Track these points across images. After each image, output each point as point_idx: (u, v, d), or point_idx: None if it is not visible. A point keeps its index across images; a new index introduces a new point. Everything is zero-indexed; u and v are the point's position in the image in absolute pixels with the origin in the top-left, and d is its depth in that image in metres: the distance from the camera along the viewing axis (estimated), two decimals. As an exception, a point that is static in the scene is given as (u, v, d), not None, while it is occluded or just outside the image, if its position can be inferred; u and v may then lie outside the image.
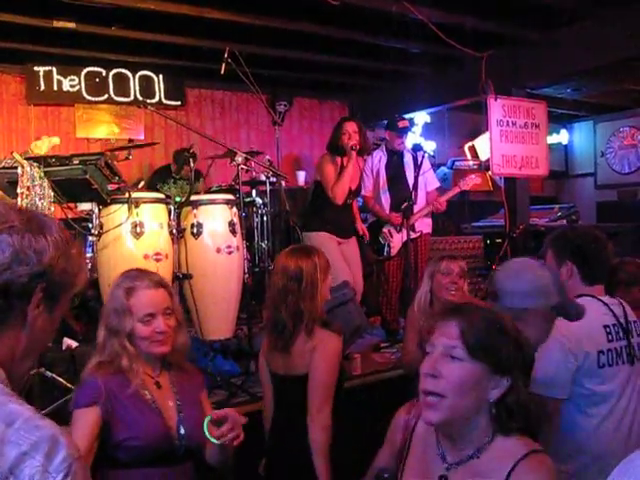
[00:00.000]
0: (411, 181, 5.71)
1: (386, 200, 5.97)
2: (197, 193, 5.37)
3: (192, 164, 4.37)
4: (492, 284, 2.33)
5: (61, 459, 1.04)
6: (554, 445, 2.48)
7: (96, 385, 2.28)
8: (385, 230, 5.89)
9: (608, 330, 2.62)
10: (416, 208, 5.76)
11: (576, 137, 11.49)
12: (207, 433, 2.11)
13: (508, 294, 2.24)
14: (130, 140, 6.24)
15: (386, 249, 5.83)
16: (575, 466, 2.52)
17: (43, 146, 4.86)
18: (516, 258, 2.57)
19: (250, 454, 3.49)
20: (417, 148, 6.05)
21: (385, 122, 6.47)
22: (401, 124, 5.98)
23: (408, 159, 5.99)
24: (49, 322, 1.26)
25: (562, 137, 11.31)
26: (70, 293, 1.30)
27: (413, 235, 5.64)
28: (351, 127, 5.48)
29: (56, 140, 4.93)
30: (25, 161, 3.59)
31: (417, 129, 9.17)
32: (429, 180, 6.07)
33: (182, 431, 2.34)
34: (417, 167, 5.68)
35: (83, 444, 2.14)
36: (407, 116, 7.42)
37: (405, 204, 5.49)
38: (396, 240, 5.83)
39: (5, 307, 1.18)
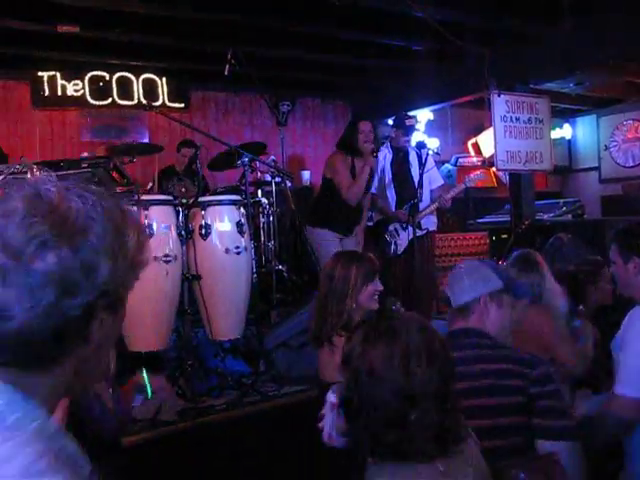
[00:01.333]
0: (416, 179, 5.72)
1: (392, 197, 5.97)
2: (204, 193, 5.40)
3: (199, 163, 4.39)
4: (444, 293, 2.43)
5: None
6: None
7: None
8: (391, 228, 5.89)
9: None
10: (421, 206, 5.77)
11: (579, 131, 11.48)
12: None
13: (454, 295, 2.36)
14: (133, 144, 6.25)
15: (392, 247, 5.82)
16: None
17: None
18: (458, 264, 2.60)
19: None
20: (421, 145, 6.04)
21: (390, 120, 6.47)
22: (408, 122, 5.99)
23: (413, 157, 5.99)
24: (116, 322, 1.05)
25: (565, 132, 11.30)
26: (134, 283, 1.07)
27: (419, 233, 5.65)
28: (367, 127, 5.49)
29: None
30: (34, 165, 3.61)
31: (420, 126, 9.18)
32: (433, 178, 6.08)
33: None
34: (422, 165, 5.70)
35: None
36: (410, 113, 7.44)
37: (411, 202, 5.51)
38: (402, 238, 5.84)
39: (60, 347, 0.95)
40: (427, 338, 1.58)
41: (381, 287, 3.09)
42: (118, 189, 3.78)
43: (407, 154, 6.02)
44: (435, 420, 1.52)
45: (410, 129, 6.04)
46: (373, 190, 5.97)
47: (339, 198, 5.47)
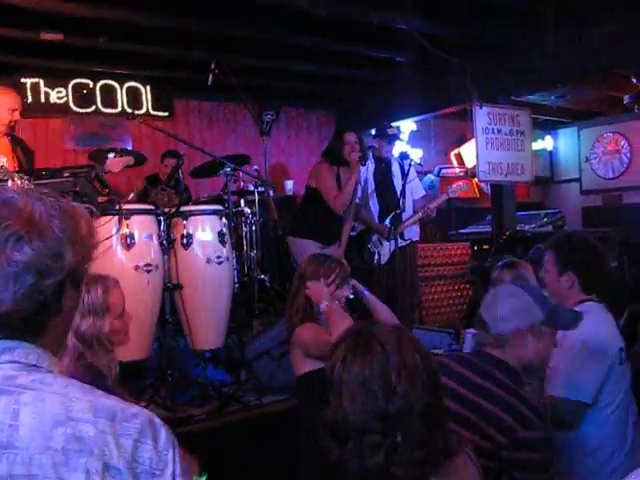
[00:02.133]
0: (399, 189, 5.74)
1: (375, 208, 5.99)
2: (187, 202, 5.39)
3: (181, 173, 4.39)
4: (479, 313, 2.33)
5: (165, 438, 1.12)
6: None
7: None
8: (374, 238, 5.91)
9: (618, 330, 2.73)
10: (404, 216, 5.79)
11: (561, 143, 11.59)
12: None
13: (492, 321, 2.24)
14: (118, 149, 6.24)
15: (376, 257, 5.85)
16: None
17: (119, 165, 4.82)
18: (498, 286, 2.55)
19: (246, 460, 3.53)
20: (403, 156, 6.07)
21: (374, 130, 6.49)
22: (390, 131, 6.01)
23: (395, 167, 6.02)
24: (78, 293, 1.24)
25: (547, 143, 11.40)
26: (89, 264, 1.26)
27: (402, 243, 5.67)
28: (352, 138, 5.48)
29: (131, 161, 4.91)
30: (15, 174, 3.60)
31: (404, 137, 9.22)
32: (415, 189, 6.10)
33: None
34: (404, 175, 5.72)
35: None
36: (394, 124, 7.48)
37: (393, 214, 5.54)
38: (385, 248, 5.86)
39: (44, 318, 1.16)
40: (406, 352, 1.52)
41: (349, 293, 3.23)
42: (100, 199, 3.78)
43: (390, 165, 6.04)
44: (424, 439, 1.48)
45: (392, 138, 6.06)
46: (357, 200, 6.00)
47: (323, 207, 5.46)
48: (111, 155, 4.84)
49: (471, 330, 3.58)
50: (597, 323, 2.67)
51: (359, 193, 5.99)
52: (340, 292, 3.16)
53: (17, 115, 4.64)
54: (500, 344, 2.21)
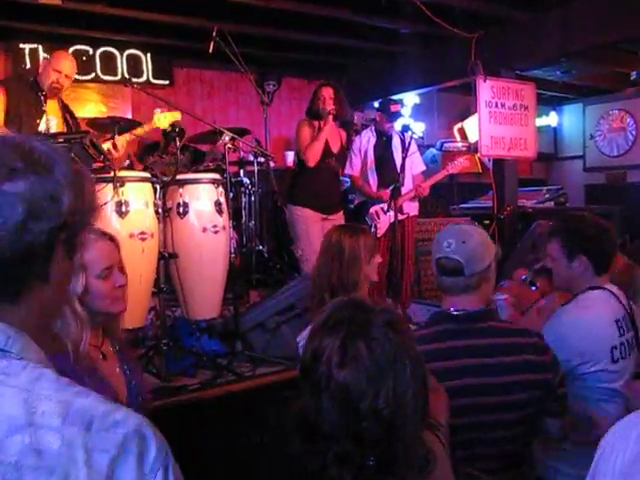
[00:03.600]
0: (399, 162, 5.71)
1: (374, 181, 5.96)
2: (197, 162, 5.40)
3: (178, 142, 4.33)
4: (447, 261, 2.25)
5: (154, 455, 0.92)
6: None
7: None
8: (372, 211, 5.88)
9: (619, 324, 2.61)
10: (403, 190, 5.76)
11: (565, 120, 11.49)
12: None
13: (467, 262, 2.19)
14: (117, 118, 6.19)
15: (372, 230, 5.82)
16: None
17: (165, 120, 4.87)
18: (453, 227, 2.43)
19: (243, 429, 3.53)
20: (405, 129, 6.03)
21: (377, 103, 6.45)
22: (393, 108, 5.96)
23: (396, 141, 5.98)
24: (70, 267, 1.09)
25: (551, 119, 11.30)
26: (85, 231, 1.13)
27: (400, 217, 5.64)
28: (327, 92, 5.57)
29: (178, 115, 4.94)
30: (9, 138, 3.56)
31: (406, 110, 9.14)
32: (415, 163, 6.06)
33: (136, 402, 2.16)
34: (405, 149, 5.68)
35: None
36: (396, 97, 7.40)
37: (392, 186, 5.50)
38: (383, 221, 5.83)
39: (26, 272, 0.99)
40: (400, 372, 1.37)
41: (381, 259, 3.19)
42: (94, 165, 3.74)
43: (390, 138, 6.01)
44: (400, 464, 1.37)
45: (394, 115, 6.02)
46: (352, 172, 5.98)
47: (314, 170, 5.45)
48: (158, 110, 4.92)
49: (501, 295, 3.49)
50: (589, 324, 2.62)
51: (357, 165, 5.96)
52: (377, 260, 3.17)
53: (62, 78, 4.82)
54: (475, 284, 2.21)
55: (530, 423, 2.19)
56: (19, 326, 0.99)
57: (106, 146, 4.47)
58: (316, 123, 5.63)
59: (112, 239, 2.26)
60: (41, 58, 7.26)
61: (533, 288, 3.44)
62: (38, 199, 0.97)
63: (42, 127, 4.66)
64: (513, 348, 2.17)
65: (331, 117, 5.47)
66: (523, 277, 3.59)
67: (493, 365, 2.14)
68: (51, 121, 4.63)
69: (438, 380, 1.81)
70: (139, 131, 4.90)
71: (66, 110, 4.89)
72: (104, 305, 2.14)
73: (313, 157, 5.43)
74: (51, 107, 4.78)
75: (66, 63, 4.87)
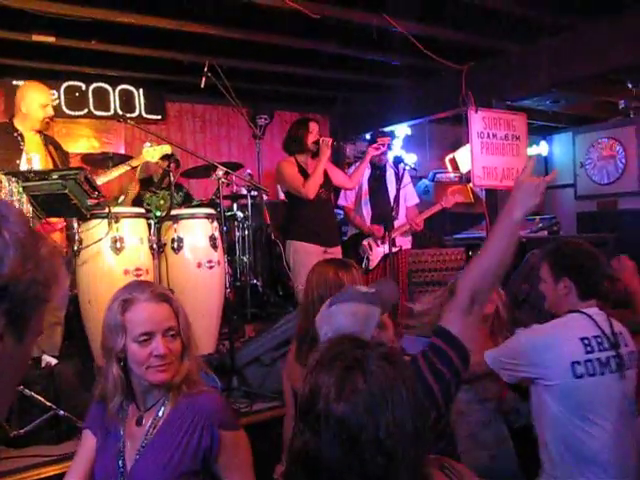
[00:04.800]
0: (392, 195, 5.73)
1: (367, 213, 5.98)
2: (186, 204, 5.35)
3: (172, 177, 4.34)
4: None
5: None
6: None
7: (92, 409, 2.17)
8: (365, 243, 5.89)
9: (586, 342, 2.66)
10: (397, 223, 5.77)
11: (556, 148, 11.57)
12: None
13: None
14: (110, 154, 6.19)
15: (364, 262, 5.83)
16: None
17: (155, 153, 4.81)
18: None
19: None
20: (398, 161, 6.05)
21: (368, 135, 6.49)
22: (380, 140, 5.97)
23: (390, 173, 6.01)
24: (19, 351, 0.92)
25: (542, 149, 11.38)
26: (43, 309, 0.94)
27: (393, 249, 5.64)
28: (316, 127, 5.59)
29: (168, 148, 4.88)
30: (3, 176, 3.55)
31: (398, 142, 9.20)
32: (409, 195, 6.09)
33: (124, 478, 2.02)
34: (399, 181, 5.71)
35: (78, 466, 2.09)
36: (388, 129, 7.46)
37: (386, 220, 5.53)
38: (375, 253, 5.84)
39: None
40: (398, 405, 1.35)
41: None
42: (89, 201, 3.72)
43: (384, 170, 6.03)
44: (418, 464, 1.37)
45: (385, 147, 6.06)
46: (345, 203, 5.99)
47: (308, 205, 5.41)
48: (148, 144, 4.83)
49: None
50: (552, 333, 2.73)
51: (349, 196, 5.99)
52: None
53: (50, 111, 4.62)
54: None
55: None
56: None
57: (100, 181, 4.42)
58: (299, 157, 5.55)
59: (168, 300, 2.08)
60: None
61: None
62: None
63: (24, 167, 4.46)
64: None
65: (330, 149, 5.46)
66: None
67: None
68: (33, 158, 4.53)
69: None
70: (130, 164, 4.83)
71: (51, 143, 4.78)
72: (140, 372, 2.01)
73: (312, 191, 5.36)
74: (32, 144, 4.61)
75: (46, 93, 4.71)
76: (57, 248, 1.00)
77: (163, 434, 2.03)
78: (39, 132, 4.65)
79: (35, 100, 4.59)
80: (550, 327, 2.76)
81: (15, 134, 4.58)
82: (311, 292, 2.96)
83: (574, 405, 2.61)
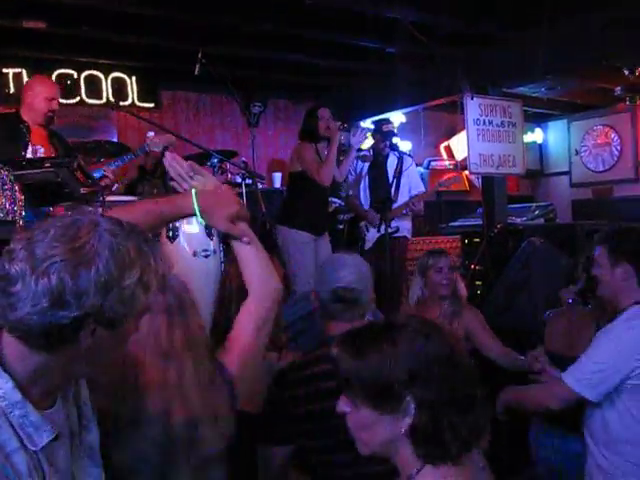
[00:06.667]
0: (393, 182, 5.78)
1: (365, 200, 5.98)
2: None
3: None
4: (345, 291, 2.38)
5: None
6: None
7: None
8: (362, 224, 5.91)
9: None
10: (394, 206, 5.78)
11: (550, 136, 11.53)
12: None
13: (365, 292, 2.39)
14: (103, 142, 6.13)
15: (360, 243, 5.84)
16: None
17: (160, 144, 4.78)
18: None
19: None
20: (394, 148, 6.07)
21: (362, 122, 6.48)
22: (385, 127, 6.04)
23: (392, 161, 6.01)
24: (113, 336, 1.26)
25: (537, 136, 11.33)
26: (137, 312, 1.28)
27: (390, 230, 5.62)
28: (326, 113, 5.62)
29: (173, 139, 4.84)
30: (-5, 164, 3.49)
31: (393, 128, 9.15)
32: (414, 183, 6.10)
33: None
34: (398, 168, 5.75)
35: None
36: (383, 116, 7.41)
37: (381, 200, 5.55)
38: (370, 235, 5.84)
39: (51, 340, 1.20)
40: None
41: None
42: (82, 190, 3.67)
43: (386, 158, 6.04)
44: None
45: (387, 135, 6.07)
46: (350, 190, 6.00)
47: (311, 195, 5.43)
48: (151, 133, 4.78)
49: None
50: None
51: (351, 181, 6.00)
52: None
53: (55, 104, 4.61)
54: (363, 311, 2.43)
55: None
56: (29, 369, 1.24)
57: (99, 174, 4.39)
58: (313, 145, 5.61)
59: None
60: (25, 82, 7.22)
61: (589, 307, 3.34)
62: (64, 294, 1.15)
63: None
64: None
65: (338, 134, 5.49)
66: (570, 300, 3.50)
67: None
68: (38, 150, 4.53)
69: (319, 400, 2.14)
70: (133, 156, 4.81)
71: (55, 136, 4.78)
72: None
73: (327, 178, 5.44)
74: (37, 136, 4.63)
75: (54, 88, 4.77)
76: (144, 280, 1.24)
77: None
78: (43, 125, 4.67)
79: (41, 93, 4.62)
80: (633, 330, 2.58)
81: (21, 125, 4.60)
82: (229, 282, 2.83)
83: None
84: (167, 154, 1.99)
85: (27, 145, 4.55)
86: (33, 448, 1.23)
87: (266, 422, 2.34)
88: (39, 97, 4.60)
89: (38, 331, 1.17)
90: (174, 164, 1.96)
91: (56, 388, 1.34)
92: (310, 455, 2.29)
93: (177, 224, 4.12)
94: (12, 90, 7.11)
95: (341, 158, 6.11)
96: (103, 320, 1.21)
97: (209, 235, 4.22)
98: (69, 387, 1.41)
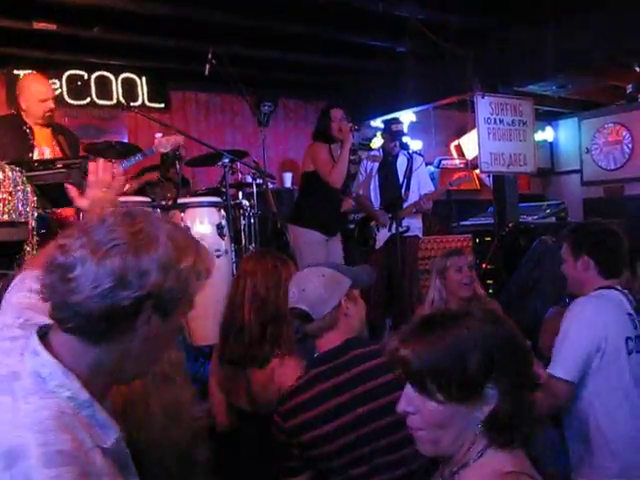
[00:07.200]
0: (403, 182, 5.77)
1: (376, 200, 5.96)
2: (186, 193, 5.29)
3: (179, 166, 4.29)
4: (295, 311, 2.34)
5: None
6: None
7: None
8: (372, 223, 5.90)
9: (632, 318, 2.65)
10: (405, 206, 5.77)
11: (561, 134, 11.47)
12: None
13: (312, 308, 2.27)
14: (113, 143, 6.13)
15: (371, 242, 5.83)
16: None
17: (168, 145, 4.72)
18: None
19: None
20: (404, 147, 6.06)
21: (373, 121, 6.46)
22: (395, 127, 6.01)
23: (402, 160, 5.99)
24: (165, 327, 1.29)
25: (547, 134, 11.28)
26: (188, 300, 1.31)
27: (400, 229, 5.60)
28: (339, 114, 5.56)
29: (181, 140, 4.77)
30: (7, 165, 3.49)
31: (403, 128, 9.13)
32: (423, 182, 6.06)
33: None
34: (409, 168, 5.74)
35: None
36: (393, 115, 7.39)
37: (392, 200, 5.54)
38: (381, 234, 5.82)
39: (110, 326, 1.21)
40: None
41: None
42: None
43: (396, 158, 6.01)
44: None
45: (397, 134, 6.05)
46: (360, 190, 5.99)
47: (323, 195, 5.43)
48: (159, 135, 4.75)
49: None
50: (599, 307, 2.64)
51: (360, 181, 6.00)
52: None
53: (50, 104, 4.51)
54: (331, 326, 2.28)
55: None
56: (88, 366, 1.25)
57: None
58: (327, 145, 5.58)
59: None
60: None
61: None
62: (127, 274, 1.18)
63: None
64: (380, 369, 2.16)
65: (351, 135, 5.47)
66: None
67: (365, 392, 2.17)
68: (45, 150, 4.47)
69: (319, 425, 2.11)
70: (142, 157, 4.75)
71: (60, 133, 4.69)
72: None
73: (339, 179, 5.44)
74: (41, 137, 4.53)
75: (46, 86, 4.60)
76: (197, 267, 1.29)
77: None
78: (45, 125, 4.58)
79: (33, 96, 4.46)
80: (599, 301, 2.66)
81: (24, 127, 4.50)
82: (243, 282, 2.78)
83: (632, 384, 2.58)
84: (100, 161, 2.01)
85: (33, 147, 4.46)
86: (104, 446, 1.23)
87: (279, 457, 2.30)
88: (32, 100, 4.46)
89: (98, 315, 1.18)
90: (98, 172, 2.04)
91: (108, 388, 1.35)
92: (329, 475, 2.26)
93: (189, 224, 4.13)
94: (23, 91, 7.13)
95: (352, 157, 6.11)
96: (160, 304, 1.23)
97: (221, 235, 4.23)
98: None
